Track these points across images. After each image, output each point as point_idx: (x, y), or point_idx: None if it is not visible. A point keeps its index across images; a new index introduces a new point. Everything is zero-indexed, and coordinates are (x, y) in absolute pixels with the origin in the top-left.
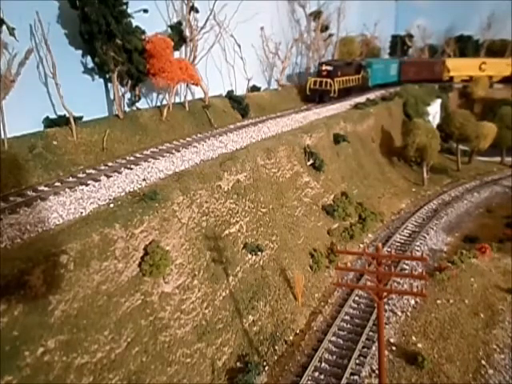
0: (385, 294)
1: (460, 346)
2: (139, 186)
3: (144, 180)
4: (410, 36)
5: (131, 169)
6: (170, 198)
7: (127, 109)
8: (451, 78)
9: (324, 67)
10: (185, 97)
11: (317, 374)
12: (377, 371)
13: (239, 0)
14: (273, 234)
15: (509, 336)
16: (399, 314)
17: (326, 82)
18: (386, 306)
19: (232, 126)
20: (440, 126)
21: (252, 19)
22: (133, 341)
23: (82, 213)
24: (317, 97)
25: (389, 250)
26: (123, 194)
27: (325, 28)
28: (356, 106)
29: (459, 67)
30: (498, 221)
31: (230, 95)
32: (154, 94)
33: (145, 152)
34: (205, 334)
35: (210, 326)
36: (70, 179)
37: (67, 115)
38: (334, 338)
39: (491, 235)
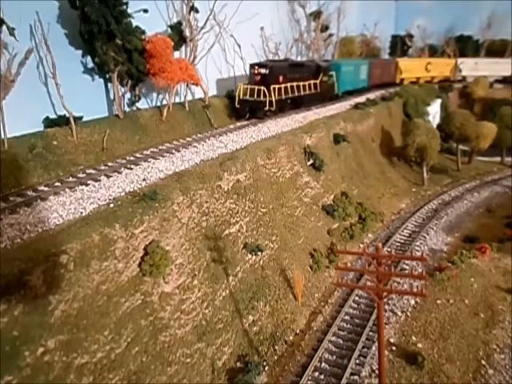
0: (385, 293)
1: (460, 346)
2: (139, 186)
3: (144, 180)
4: (410, 36)
5: (131, 169)
6: (170, 197)
7: (127, 109)
8: (401, 81)
9: (257, 70)
10: (185, 97)
11: (317, 373)
12: (377, 371)
13: (239, 0)
14: (273, 233)
15: (509, 336)
16: (399, 314)
17: (259, 91)
18: (386, 306)
19: (232, 126)
20: (440, 126)
21: (252, 19)
22: (133, 341)
23: (81, 213)
24: (246, 111)
25: (389, 249)
26: (123, 194)
27: (325, 28)
28: (356, 106)
29: (410, 68)
30: (498, 221)
31: (230, 95)
32: (154, 94)
33: (145, 152)
34: (205, 334)
35: (210, 326)
36: (70, 179)
37: (67, 115)
38: (333, 338)
39: (491, 235)
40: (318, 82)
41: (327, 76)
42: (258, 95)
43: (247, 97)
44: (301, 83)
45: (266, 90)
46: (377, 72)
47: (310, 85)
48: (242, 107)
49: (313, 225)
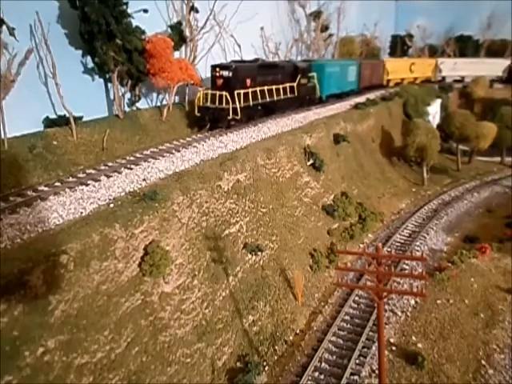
0: (385, 293)
1: (460, 346)
2: (139, 186)
3: (144, 180)
4: (410, 36)
5: (131, 169)
6: (170, 198)
7: (127, 109)
8: (388, 82)
9: (218, 72)
10: (184, 98)
11: (317, 373)
12: (377, 371)
13: (239, 0)
14: (273, 233)
15: (509, 336)
16: (399, 313)
17: (221, 97)
18: (386, 306)
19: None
20: (440, 126)
21: (252, 19)
22: (133, 341)
23: (82, 213)
24: (207, 120)
25: (389, 249)
26: (123, 193)
27: (325, 28)
28: (356, 106)
29: (396, 69)
30: (498, 221)
31: None
32: (154, 94)
33: (145, 152)
34: (205, 334)
35: (210, 326)
36: (70, 179)
37: (67, 115)
38: (333, 338)
39: (491, 235)
40: (295, 84)
41: (306, 78)
42: (220, 102)
43: (208, 104)
44: (274, 87)
45: (228, 96)
46: (367, 73)
47: (285, 88)
48: (203, 116)
49: (313, 225)
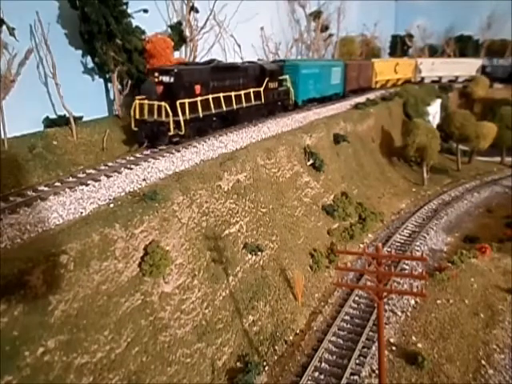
0: (385, 293)
1: (460, 346)
2: (139, 186)
3: (144, 180)
4: (410, 36)
5: (131, 169)
6: (170, 198)
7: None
8: (376, 84)
9: (158, 77)
10: None
11: (317, 373)
12: (377, 371)
13: (239, 0)
14: (273, 233)
15: (509, 336)
16: (399, 313)
17: (160, 108)
18: (386, 306)
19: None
20: (440, 126)
21: (252, 19)
22: (133, 341)
23: (82, 213)
24: (143, 136)
25: (389, 249)
26: (123, 194)
27: (325, 28)
28: (356, 106)
29: (383, 70)
30: (498, 221)
31: None
32: None
33: (145, 152)
34: (205, 334)
35: (210, 326)
36: (70, 179)
37: (67, 115)
38: (333, 338)
39: (491, 235)
40: (261, 89)
41: (276, 81)
42: (159, 114)
43: (145, 116)
44: (233, 93)
45: (167, 107)
46: (354, 75)
47: (248, 95)
48: (140, 131)
49: (313, 225)
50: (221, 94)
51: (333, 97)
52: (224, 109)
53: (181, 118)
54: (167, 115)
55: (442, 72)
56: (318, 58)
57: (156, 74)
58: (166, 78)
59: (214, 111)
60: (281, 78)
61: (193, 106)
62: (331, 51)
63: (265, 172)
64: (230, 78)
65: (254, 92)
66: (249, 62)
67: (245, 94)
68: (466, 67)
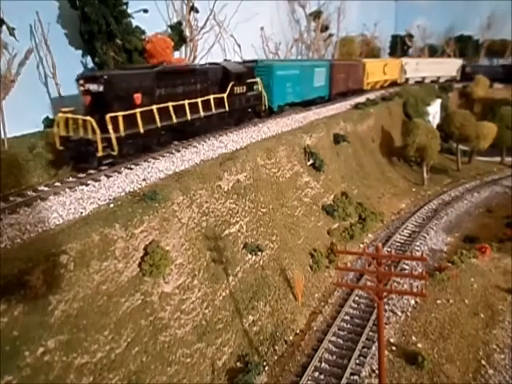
0: (385, 293)
1: (460, 346)
2: (139, 186)
3: (144, 180)
4: (410, 36)
5: (131, 169)
6: (170, 198)
7: None
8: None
9: (84, 85)
10: None
11: (317, 373)
12: (377, 371)
13: (239, 0)
14: (273, 233)
15: (509, 336)
16: (399, 313)
17: (85, 123)
18: (386, 306)
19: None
20: (440, 126)
21: (252, 19)
22: (133, 341)
23: (81, 213)
24: (68, 157)
25: (389, 249)
26: (123, 194)
27: (325, 28)
28: (356, 106)
29: (373, 71)
30: (498, 221)
31: None
32: None
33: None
34: (205, 334)
35: (210, 326)
36: (70, 179)
37: None
38: (333, 338)
39: (491, 235)
40: (225, 95)
41: (245, 85)
42: (86, 130)
43: (70, 133)
44: (187, 101)
45: (93, 123)
46: (341, 77)
47: (207, 102)
48: (66, 150)
49: (313, 225)
50: (169, 104)
51: (317, 100)
52: (174, 121)
53: (112, 134)
54: (94, 132)
55: (425, 73)
56: (298, 59)
57: (81, 82)
58: (93, 87)
59: (159, 124)
60: (250, 80)
61: (130, 119)
62: (331, 51)
63: (265, 172)
64: (183, 84)
65: (215, 99)
66: (210, 64)
67: (203, 101)
68: (448, 67)
